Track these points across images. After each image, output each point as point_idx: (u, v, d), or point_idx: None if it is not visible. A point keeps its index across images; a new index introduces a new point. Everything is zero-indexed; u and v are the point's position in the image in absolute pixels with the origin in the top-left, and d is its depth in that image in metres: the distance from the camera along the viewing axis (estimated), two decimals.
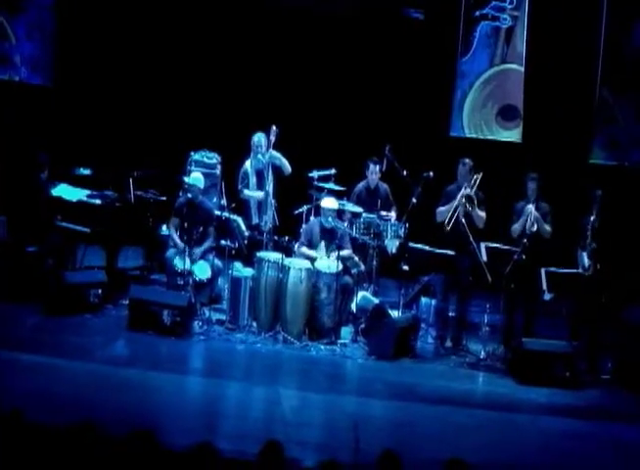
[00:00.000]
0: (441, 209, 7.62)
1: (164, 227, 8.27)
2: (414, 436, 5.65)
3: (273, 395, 6.19)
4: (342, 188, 8.26)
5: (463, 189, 7.51)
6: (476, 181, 7.57)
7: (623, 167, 9.48)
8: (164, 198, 8.58)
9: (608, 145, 9.69)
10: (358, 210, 8.17)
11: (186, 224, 7.84)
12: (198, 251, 7.80)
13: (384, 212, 8.18)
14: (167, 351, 6.99)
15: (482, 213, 7.57)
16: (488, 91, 9.81)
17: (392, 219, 8.12)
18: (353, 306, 7.74)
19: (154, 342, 7.04)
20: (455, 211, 7.49)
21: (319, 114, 9.74)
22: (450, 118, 9.88)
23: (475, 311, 7.89)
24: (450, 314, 7.74)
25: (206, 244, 7.92)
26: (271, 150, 8.20)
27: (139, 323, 7.19)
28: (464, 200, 7.48)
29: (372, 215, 8.10)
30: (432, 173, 7.84)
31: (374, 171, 8.29)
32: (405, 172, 8.20)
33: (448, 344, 7.68)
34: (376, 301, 7.69)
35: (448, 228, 7.46)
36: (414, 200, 7.84)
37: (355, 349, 7.40)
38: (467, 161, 7.65)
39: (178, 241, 7.87)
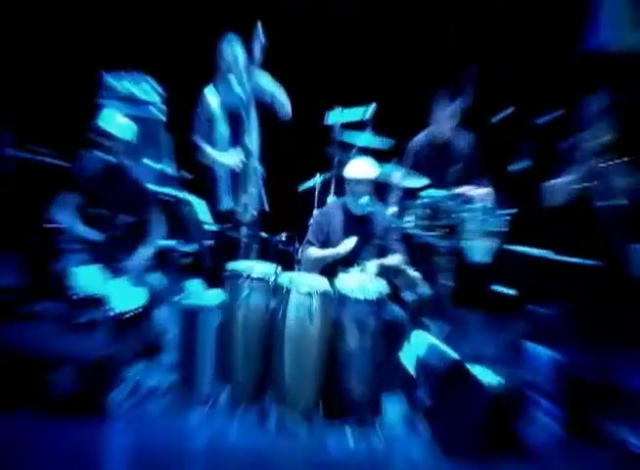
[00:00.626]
0: (556, 182, 7.19)
1: (59, 215, 7.36)
2: None
3: None
4: (386, 143, 7.82)
5: (591, 143, 7.11)
6: (610, 131, 7.17)
7: None
8: (64, 162, 7.77)
9: None
10: (417, 182, 7.56)
11: (100, 209, 7.26)
12: (128, 261, 7.22)
13: (465, 188, 7.56)
14: (63, 446, 6.03)
15: (628, 181, 7.15)
16: None
17: (482, 201, 7.48)
18: (408, 363, 7.03)
19: (37, 428, 6.22)
20: (580, 183, 7.17)
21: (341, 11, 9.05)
22: (587, 19, 9.03)
23: (627, 371, 7.21)
24: (583, 376, 7.07)
25: (142, 248, 7.23)
26: (256, 70, 7.53)
27: (10, 394, 6.50)
28: (595, 158, 7.03)
29: (443, 193, 7.47)
30: (552, 117, 7.41)
31: (447, 113, 7.77)
32: (504, 115, 7.65)
33: (577, 427, 6.86)
34: (451, 353, 6.86)
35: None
36: (521, 165, 7.35)
37: (409, 436, 6.70)
38: (596, 97, 7.26)
39: (85, 234, 7.16)
